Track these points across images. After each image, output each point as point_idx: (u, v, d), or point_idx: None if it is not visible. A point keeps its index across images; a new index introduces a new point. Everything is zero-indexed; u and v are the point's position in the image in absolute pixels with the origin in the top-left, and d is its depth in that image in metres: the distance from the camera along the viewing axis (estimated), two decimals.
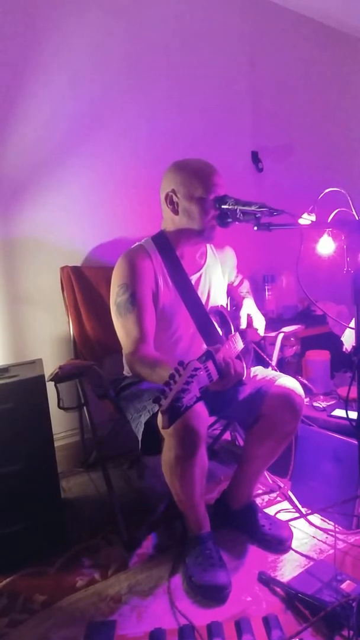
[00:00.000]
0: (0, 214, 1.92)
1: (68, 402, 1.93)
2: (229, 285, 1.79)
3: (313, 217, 1.54)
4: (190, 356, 1.05)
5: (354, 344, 1.25)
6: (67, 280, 1.97)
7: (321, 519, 1.64)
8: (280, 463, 1.68)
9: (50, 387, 1.58)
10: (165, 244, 1.55)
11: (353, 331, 1.23)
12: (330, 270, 1.60)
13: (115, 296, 1.47)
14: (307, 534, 1.58)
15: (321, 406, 1.87)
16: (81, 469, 2.12)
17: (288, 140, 2.90)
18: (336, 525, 1.59)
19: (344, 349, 2.08)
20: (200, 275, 1.62)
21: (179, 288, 1.53)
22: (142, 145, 2.25)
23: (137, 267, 1.47)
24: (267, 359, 1.80)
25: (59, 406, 1.74)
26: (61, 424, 2.09)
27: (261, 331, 1.70)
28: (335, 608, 1.16)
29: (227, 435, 2.22)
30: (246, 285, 1.85)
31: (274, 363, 1.84)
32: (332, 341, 2.29)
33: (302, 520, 1.64)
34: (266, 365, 1.76)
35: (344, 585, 1.27)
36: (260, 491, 1.84)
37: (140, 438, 1.36)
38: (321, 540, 1.54)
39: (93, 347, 1.99)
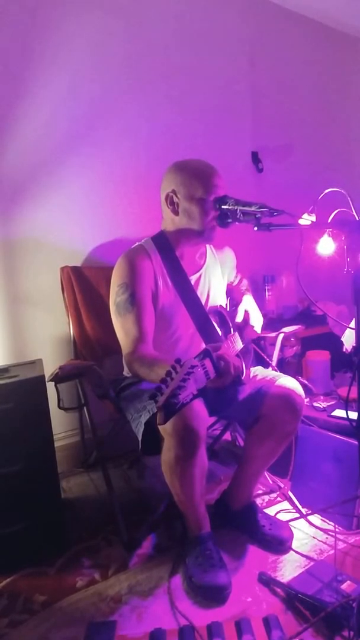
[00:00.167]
0: (1, 214, 1.92)
1: (68, 402, 1.93)
2: (228, 284, 1.79)
3: (313, 218, 1.53)
4: (189, 356, 1.05)
5: (354, 344, 1.25)
6: (67, 280, 1.97)
7: (321, 520, 1.64)
8: (280, 463, 1.68)
9: (50, 387, 1.58)
10: (165, 244, 1.55)
11: (353, 331, 1.23)
12: (330, 271, 1.59)
13: (115, 296, 1.48)
14: (307, 535, 1.58)
15: (321, 406, 1.87)
16: (81, 469, 2.12)
17: (288, 140, 2.90)
18: (336, 526, 1.59)
19: (344, 349, 2.08)
20: (200, 276, 1.62)
21: (179, 288, 1.54)
22: (142, 145, 2.25)
23: (137, 267, 1.47)
24: (267, 359, 1.80)
25: (59, 406, 1.74)
26: (61, 424, 2.09)
27: (258, 328, 1.70)
28: (336, 608, 1.16)
29: (227, 436, 2.22)
30: (245, 284, 1.85)
31: (274, 363, 1.84)
32: (332, 341, 2.29)
33: (302, 520, 1.64)
34: (266, 365, 1.76)
35: (344, 586, 1.27)
36: (260, 491, 1.84)
37: (140, 438, 1.36)
38: (321, 541, 1.54)
39: (93, 347, 1.99)
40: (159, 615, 1.27)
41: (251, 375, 1.59)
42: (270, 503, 1.78)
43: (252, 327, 1.67)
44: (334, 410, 1.82)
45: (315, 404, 1.90)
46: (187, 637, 1.15)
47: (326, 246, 1.52)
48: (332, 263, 1.47)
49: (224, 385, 1.21)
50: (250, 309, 1.69)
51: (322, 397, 1.99)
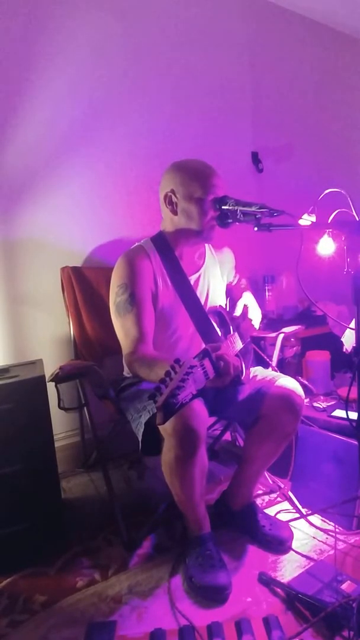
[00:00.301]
0: (1, 214, 1.92)
1: (68, 402, 1.93)
2: (228, 284, 1.79)
3: (313, 218, 1.54)
4: (189, 356, 1.05)
5: (354, 345, 1.25)
6: (67, 280, 1.97)
7: (321, 520, 1.64)
8: (280, 463, 1.68)
9: (50, 387, 1.58)
10: (164, 245, 1.56)
11: (353, 332, 1.23)
12: (331, 271, 1.59)
13: (115, 296, 1.48)
14: (308, 535, 1.58)
15: (321, 407, 1.87)
16: (81, 469, 2.12)
17: (288, 140, 2.90)
18: (336, 526, 1.59)
19: (344, 350, 2.08)
20: (199, 276, 1.62)
21: (178, 288, 1.54)
22: (142, 145, 2.25)
23: (137, 268, 1.47)
24: (267, 360, 1.80)
25: (59, 406, 1.74)
26: (61, 425, 2.09)
27: (256, 323, 1.69)
28: (336, 609, 1.16)
29: (227, 436, 2.22)
30: (244, 282, 1.85)
31: (274, 363, 1.84)
32: (332, 341, 2.29)
33: (302, 520, 1.64)
34: (266, 365, 1.76)
35: (344, 586, 1.27)
36: (260, 492, 1.84)
37: (140, 438, 1.36)
38: (321, 541, 1.54)
39: (93, 347, 1.99)
40: (159, 615, 1.27)
41: (251, 375, 1.59)
42: (270, 503, 1.78)
43: (250, 321, 1.67)
44: (334, 410, 1.82)
45: (315, 404, 1.90)
46: (187, 637, 1.15)
47: (326, 246, 1.52)
48: (332, 263, 1.48)
49: (223, 385, 1.21)
50: (249, 304, 1.69)
51: (322, 398, 1.99)
